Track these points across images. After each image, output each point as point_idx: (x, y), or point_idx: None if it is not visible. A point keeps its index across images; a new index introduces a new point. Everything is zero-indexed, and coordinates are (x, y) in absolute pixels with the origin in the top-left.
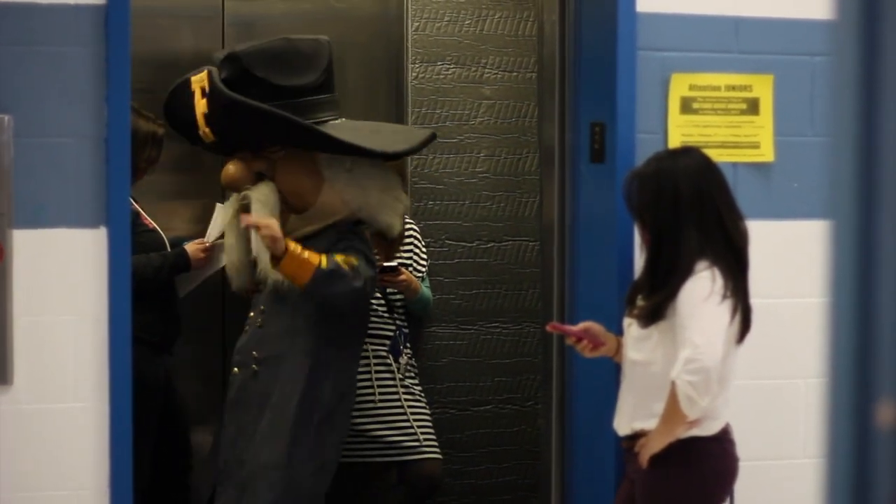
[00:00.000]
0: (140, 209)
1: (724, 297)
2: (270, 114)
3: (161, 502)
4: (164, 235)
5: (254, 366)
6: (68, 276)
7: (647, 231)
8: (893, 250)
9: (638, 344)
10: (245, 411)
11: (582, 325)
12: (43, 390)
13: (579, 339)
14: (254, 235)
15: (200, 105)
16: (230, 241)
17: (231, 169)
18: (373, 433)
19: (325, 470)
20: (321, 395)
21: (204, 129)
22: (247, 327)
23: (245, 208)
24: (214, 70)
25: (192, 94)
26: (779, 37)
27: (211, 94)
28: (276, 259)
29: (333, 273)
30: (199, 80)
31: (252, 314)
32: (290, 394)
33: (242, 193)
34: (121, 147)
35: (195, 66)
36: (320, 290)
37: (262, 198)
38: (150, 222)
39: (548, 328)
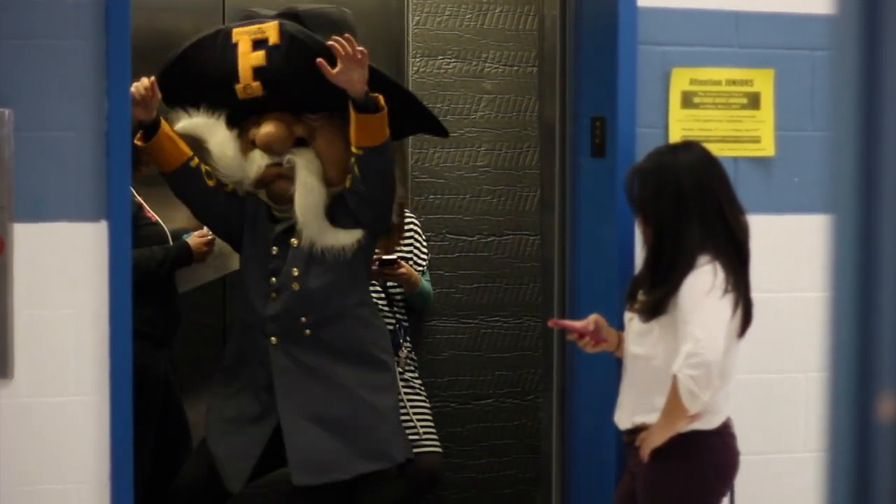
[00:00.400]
0: (143, 202)
1: (726, 291)
2: (375, 71)
3: (162, 496)
4: (166, 228)
5: (307, 331)
6: (69, 270)
7: (649, 226)
8: (894, 244)
9: (639, 338)
10: (315, 377)
11: (591, 318)
12: (43, 384)
13: (581, 336)
14: (299, 192)
15: (253, 57)
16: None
17: (273, 129)
18: None
19: None
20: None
21: (251, 82)
22: (273, 293)
23: (272, 176)
24: (287, 22)
25: (232, 47)
26: (779, 31)
27: (292, 44)
28: (362, 107)
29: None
30: (251, 32)
31: (274, 278)
32: (368, 343)
33: (286, 158)
34: (121, 140)
35: None
36: (386, 156)
37: (307, 164)
38: (153, 215)
39: (550, 324)
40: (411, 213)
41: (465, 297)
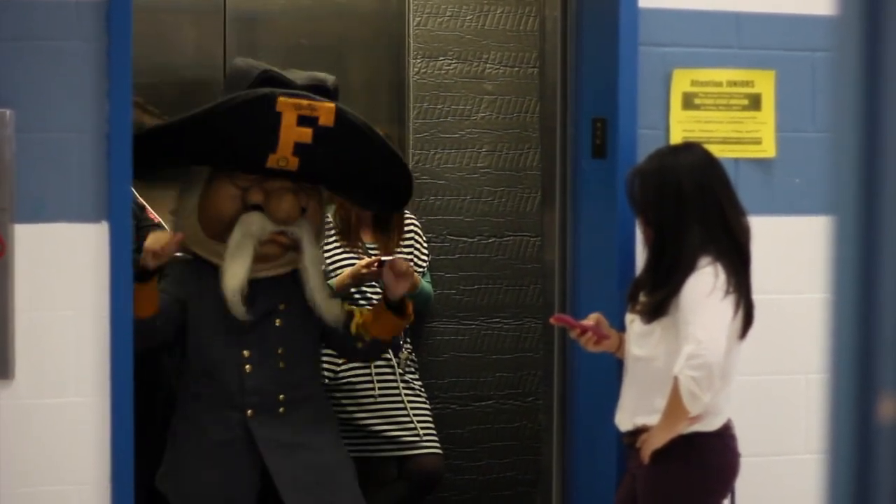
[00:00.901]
0: (145, 203)
1: (727, 292)
2: (400, 159)
3: (163, 498)
4: (168, 229)
5: (280, 409)
6: (69, 271)
7: (650, 227)
8: (895, 246)
9: (640, 340)
10: (291, 453)
11: (592, 317)
12: (44, 385)
13: (583, 332)
14: (312, 268)
15: (299, 132)
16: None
17: (294, 204)
18: (372, 428)
19: None
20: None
21: (289, 156)
22: (248, 366)
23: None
24: (344, 108)
25: (275, 116)
26: (780, 32)
27: (349, 131)
28: (398, 310)
29: None
30: (299, 107)
31: (247, 352)
32: (331, 429)
33: (292, 229)
34: (122, 142)
35: (197, 62)
36: (394, 343)
37: (310, 237)
38: (155, 216)
39: (551, 320)
40: (411, 214)
41: (465, 298)
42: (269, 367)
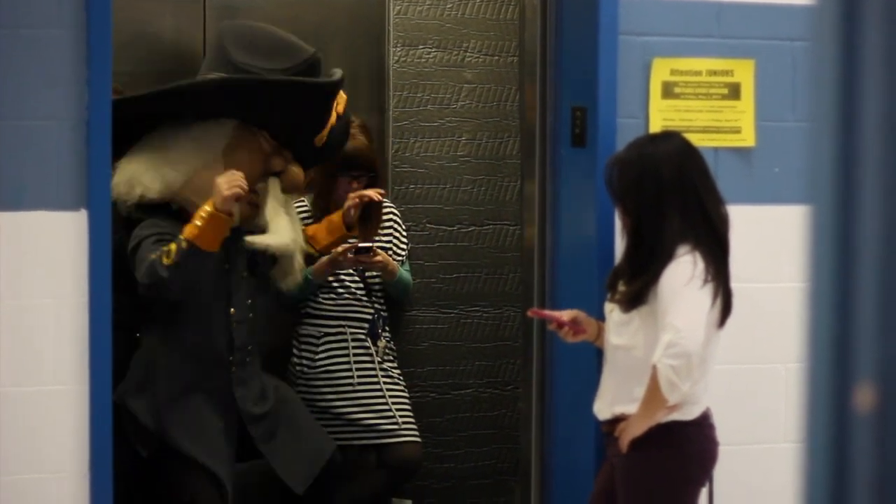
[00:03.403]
0: None
1: (706, 281)
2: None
3: (144, 486)
4: None
5: (248, 359)
6: (48, 259)
7: (629, 216)
8: (872, 235)
9: (619, 328)
10: (267, 398)
11: (568, 314)
12: (22, 373)
13: (561, 325)
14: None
15: (333, 117)
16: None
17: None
18: (351, 416)
19: None
20: None
21: (324, 136)
22: (234, 323)
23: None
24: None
25: (331, 101)
26: (760, 22)
27: (344, 114)
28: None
29: None
30: (340, 99)
31: (233, 309)
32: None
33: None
34: (102, 130)
35: (177, 49)
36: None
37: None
38: None
39: (529, 313)
40: (391, 202)
41: (444, 286)
42: (247, 321)
